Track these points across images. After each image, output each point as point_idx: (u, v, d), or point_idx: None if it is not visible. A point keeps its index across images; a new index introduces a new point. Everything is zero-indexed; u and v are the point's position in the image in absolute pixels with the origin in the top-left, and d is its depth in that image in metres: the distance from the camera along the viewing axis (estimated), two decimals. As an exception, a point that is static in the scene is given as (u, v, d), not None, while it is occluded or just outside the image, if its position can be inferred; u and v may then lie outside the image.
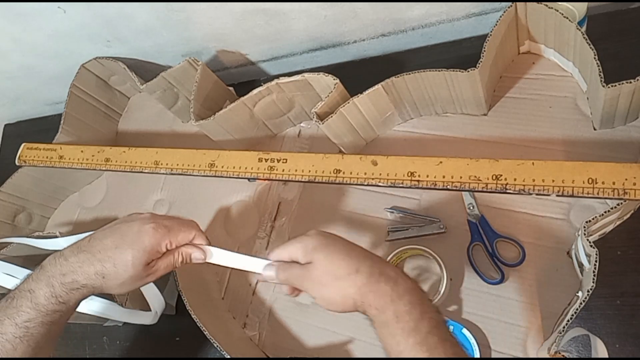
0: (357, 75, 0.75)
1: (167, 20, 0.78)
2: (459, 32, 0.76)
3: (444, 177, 0.58)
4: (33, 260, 0.85)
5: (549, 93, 0.66)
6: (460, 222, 0.65)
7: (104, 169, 0.79)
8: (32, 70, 0.93)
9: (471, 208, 0.64)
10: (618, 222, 0.57)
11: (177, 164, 0.73)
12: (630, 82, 0.52)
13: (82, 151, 0.82)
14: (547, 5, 0.57)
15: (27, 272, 0.69)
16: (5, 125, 1.12)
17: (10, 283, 0.73)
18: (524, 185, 0.54)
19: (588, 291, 0.48)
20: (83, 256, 0.50)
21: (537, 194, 0.54)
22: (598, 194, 0.51)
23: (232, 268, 0.55)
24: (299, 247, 0.48)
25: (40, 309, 0.48)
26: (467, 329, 0.58)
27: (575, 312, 0.49)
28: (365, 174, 0.62)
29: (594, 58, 0.54)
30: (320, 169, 0.64)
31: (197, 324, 0.63)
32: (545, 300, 0.58)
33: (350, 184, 0.63)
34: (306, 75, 0.67)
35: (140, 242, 0.50)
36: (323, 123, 0.64)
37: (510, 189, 0.55)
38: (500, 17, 0.59)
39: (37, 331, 0.48)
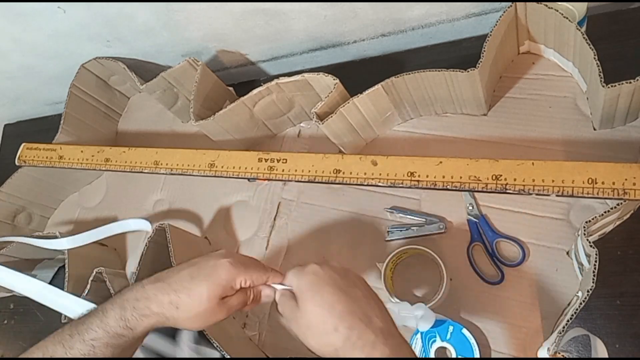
0: (357, 75, 0.76)
1: (167, 20, 0.78)
2: (458, 32, 0.76)
3: (443, 177, 0.58)
4: (34, 262, 0.85)
5: (548, 93, 0.66)
6: (460, 222, 0.65)
7: (103, 169, 0.79)
8: (32, 70, 0.93)
9: (471, 208, 0.64)
10: (618, 222, 0.57)
11: (177, 164, 0.73)
12: (630, 82, 0.52)
13: (82, 151, 0.82)
14: (547, 6, 0.57)
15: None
16: (5, 125, 1.12)
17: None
18: (523, 186, 0.54)
19: (588, 291, 0.48)
20: (159, 285, 0.49)
21: (537, 194, 0.54)
22: (598, 194, 0.51)
23: None
24: (294, 283, 0.48)
25: (108, 330, 0.47)
26: (467, 329, 0.59)
27: (575, 312, 0.49)
28: (365, 174, 0.62)
29: (594, 58, 0.54)
30: (320, 169, 0.64)
31: (197, 324, 0.63)
32: (545, 300, 0.58)
33: (350, 184, 0.63)
34: (306, 75, 0.67)
35: (216, 275, 0.49)
36: (323, 123, 0.64)
37: (510, 189, 0.55)
38: (500, 17, 0.59)
39: (101, 351, 0.47)
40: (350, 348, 0.42)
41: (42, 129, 1.01)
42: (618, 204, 0.50)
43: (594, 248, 0.49)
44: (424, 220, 0.66)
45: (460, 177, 0.57)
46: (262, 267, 0.52)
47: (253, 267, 0.51)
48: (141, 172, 0.76)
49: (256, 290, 0.52)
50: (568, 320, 0.49)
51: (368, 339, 0.42)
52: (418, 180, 0.59)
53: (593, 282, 0.48)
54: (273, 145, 0.81)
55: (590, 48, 0.54)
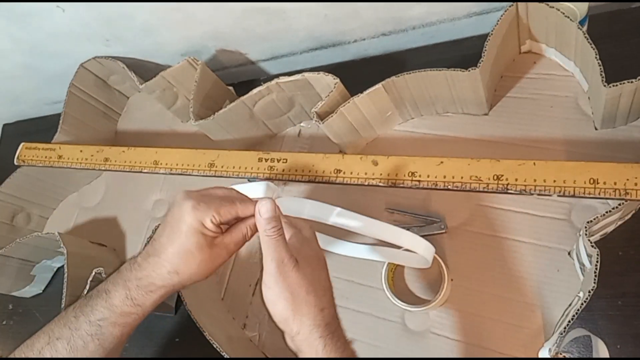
0: (358, 74, 0.75)
1: (167, 20, 0.78)
2: (460, 32, 0.76)
3: (444, 177, 0.58)
4: (32, 263, 0.85)
5: (550, 93, 0.66)
6: (461, 222, 0.64)
7: (103, 168, 0.79)
8: (31, 69, 0.93)
9: None
10: (619, 223, 0.57)
11: (177, 164, 0.73)
12: (632, 82, 0.52)
13: (81, 151, 0.81)
14: (548, 5, 0.57)
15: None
16: (5, 125, 1.12)
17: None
18: (525, 186, 0.54)
19: (589, 291, 0.48)
20: (152, 260, 0.49)
21: (538, 194, 0.54)
22: (599, 194, 0.51)
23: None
24: (290, 235, 0.49)
25: (114, 310, 0.48)
26: None
27: (576, 313, 0.48)
28: (365, 174, 0.62)
29: (595, 57, 0.54)
30: (320, 169, 0.64)
31: (197, 324, 0.63)
32: (546, 301, 0.58)
33: (350, 184, 0.63)
34: (306, 74, 0.67)
35: (186, 226, 0.48)
36: (323, 123, 0.64)
37: (511, 189, 0.54)
38: (502, 16, 0.59)
39: (108, 331, 0.48)
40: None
41: (41, 129, 1.01)
42: (620, 204, 0.50)
43: (595, 248, 0.49)
44: (424, 220, 0.66)
45: (462, 177, 0.57)
46: (228, 201, 0.50)
47: (217, 202, 0.49)
48: (141, 172, 0.76)
49: (249, 224, 0.51)
50: (569, 321, 0.49)
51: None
52: (419, 180, 0.59)
53: (594, 283, 0.48)
54: (273, 145, 0.80)
55: (592, 47, 0.54)
